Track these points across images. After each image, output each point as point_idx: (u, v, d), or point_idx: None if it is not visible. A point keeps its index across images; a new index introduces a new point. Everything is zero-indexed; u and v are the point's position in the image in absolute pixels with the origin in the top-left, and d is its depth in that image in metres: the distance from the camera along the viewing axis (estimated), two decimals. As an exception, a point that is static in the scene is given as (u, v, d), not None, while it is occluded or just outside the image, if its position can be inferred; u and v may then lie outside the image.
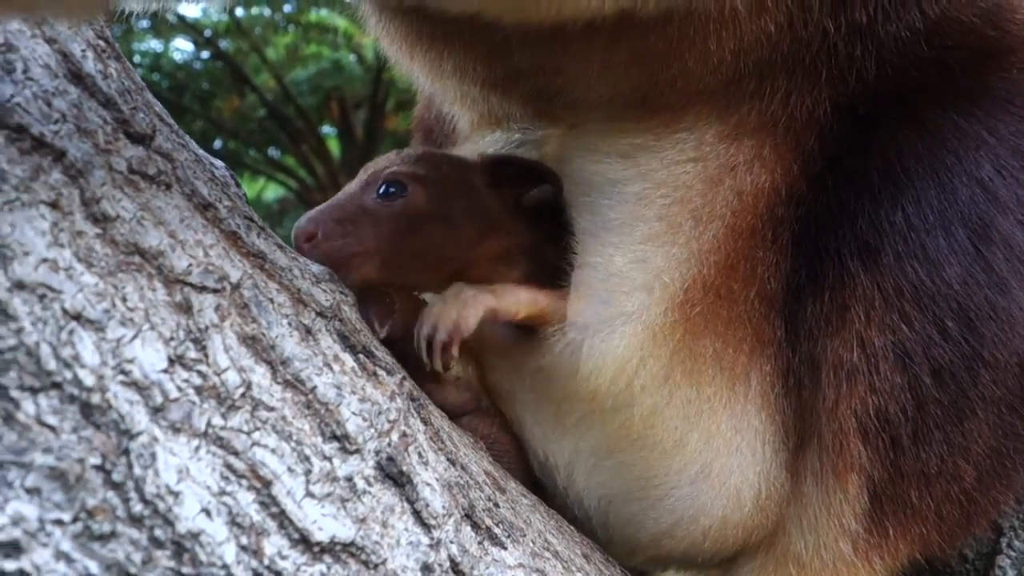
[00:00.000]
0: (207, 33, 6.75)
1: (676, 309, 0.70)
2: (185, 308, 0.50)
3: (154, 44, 7.00)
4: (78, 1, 0.37)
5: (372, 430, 0.55)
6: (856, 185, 0.67)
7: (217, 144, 7.45)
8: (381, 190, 0.72)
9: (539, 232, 0.77)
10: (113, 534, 0.44)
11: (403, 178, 0.72)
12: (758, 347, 0.69)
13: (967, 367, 0.66)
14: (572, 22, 0.54)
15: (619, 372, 0.70)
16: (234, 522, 0.47)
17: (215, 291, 0.52)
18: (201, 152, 0.62)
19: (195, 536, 0.46)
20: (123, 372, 0.46)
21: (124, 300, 0.48)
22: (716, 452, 0.69)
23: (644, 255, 0.71)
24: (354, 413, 0.55)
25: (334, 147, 7.38)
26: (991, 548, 0.82)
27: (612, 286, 0.72)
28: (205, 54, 6.99)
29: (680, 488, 0.70)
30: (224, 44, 6.86)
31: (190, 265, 0.52)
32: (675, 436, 0.70)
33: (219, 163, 0.63)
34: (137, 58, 6.74)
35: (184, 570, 0.45)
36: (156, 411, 0.47)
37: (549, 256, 0.76)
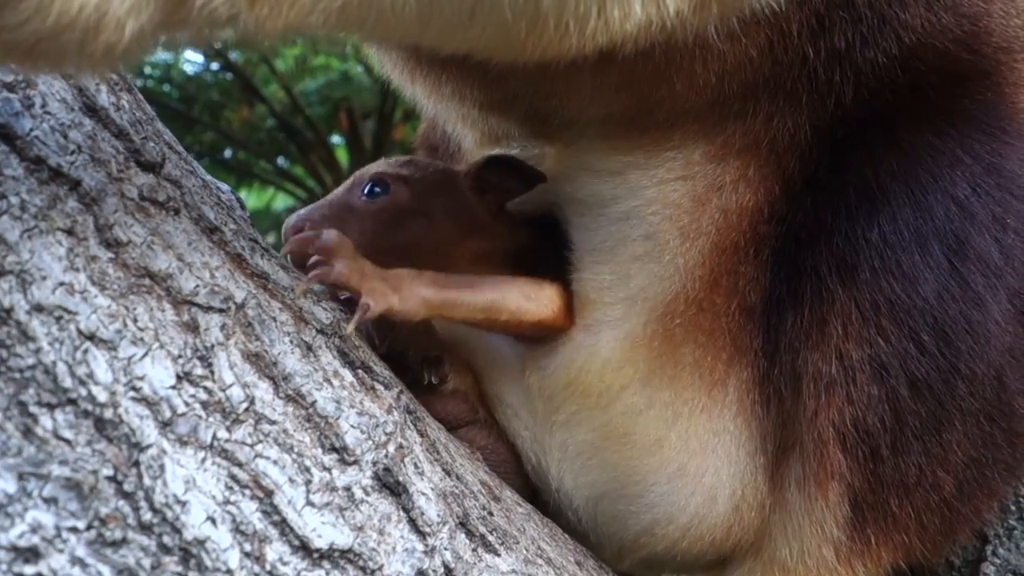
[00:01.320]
0: (217, 45, 6.80)
1: (656, 321, 0.73)
2: (192, 327, 0.53)
3: (164, 56, 7.08)
4: (103, 57, 0.40)
5: (370, 442, 0.58)
6: (833, 204, 0.70)
7: (227, 154, 7.50)
8: (366, 189, 0.76)
9: (522, 237, 0.80)
10: (124, 541, 0.47)
11: (387, 178, 0.76)
12: (736, 356, 0.72)
13: (943, 379, 0.68)
14: (557, 61, 0.57)
15: (604, 371, 0.74)
16: (238, 530, 0.50)
17: (221, 311, 0.55)
18: (208, 177, 0.65)
19: (201, 543, 0.49)
20: (134, 388, 0.49)
21: (135, 320, 0.51)
22: (692, 452, 0.72)
23: (628, 272, 0.75)
24: (352, 426, 0.58)
25: (343, 157, 7.42)
26: (977, 555, 0.84)
27: (601, 298, 0.76)
28: (215, 66, 7.06)
29: (659, 485, 0.73)
30: (234, 56, 6.92)
31: (197, 286, 0.55)
32: (655, 435, 0.73)
33: (225, 187, 0.67)
34: (148, 70, 6.81)
35: (191, 575, 0.48)
36: (165, 425, 0.50)
37: (532, 261, 0.79)
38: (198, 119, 6.63)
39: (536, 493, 0.81)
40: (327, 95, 6.76)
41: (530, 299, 0.75)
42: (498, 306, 0.73)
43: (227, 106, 7.13)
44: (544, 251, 0.80)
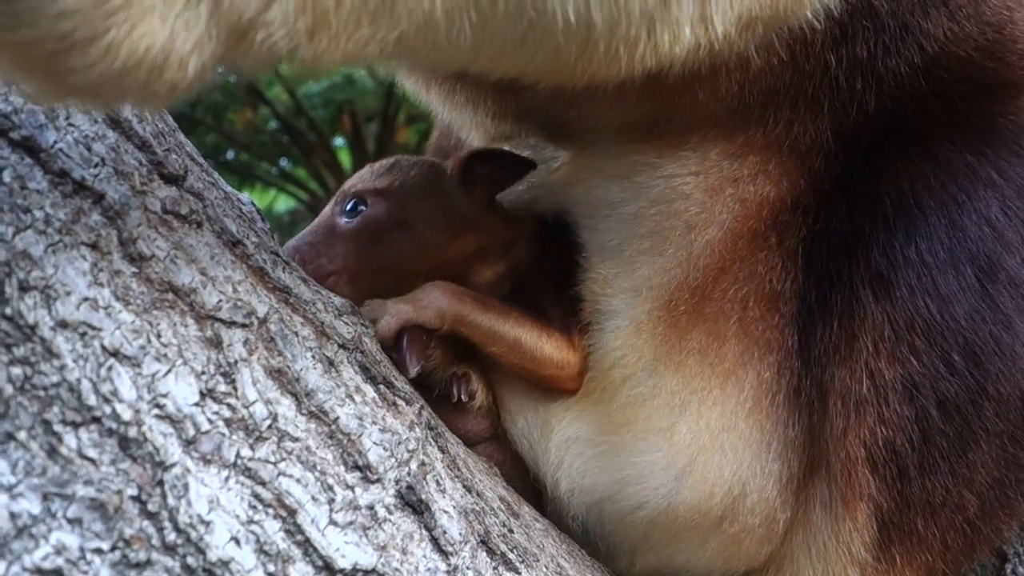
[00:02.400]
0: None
1: (660, 308, 0.73)
2: (215, 343, 0.53)
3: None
4: (166, 95, 0.40)
5: (392, 459, 0.57)
6: (870, 213, 0.69)
7: (229, 156, 7.50)
8: (346, 208, 0.75)
9: (516, 228, 0.79)
10: (148, 562, 0.46)
11: (364, 194, 0.75)
12: (753, 349, 0.71)
13: (972, 400, 0.67)
14: (604, 86, 0.57)
15: (607, 362, 0.73)
16: (262, 550, 0.50)
17: (243, 326, 0.54)
18: (229, 189, 0.64)
19: (225, 564, 0.48)
20: (158, 406, 0.49)
21: (159, 336, 0.50)
22: (699, 446, 0.71)
23: (634, 265, 0.74)
24: (375, 443, 0.57)
25: (345, 159, 7.42)
26: (996, 573, 0.83)
27: (604, 291, 0.76)
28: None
29: (658, 474, 0.72)
30: (237, 58, 6.90)
31: (220, 301, 0.54)
32: (660, 425, 0.72)
33: (245, 198, 0.66)
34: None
35: (215, 597, 0.47)
36: (188, 443, 0.49)
37: (523, 253, 0.78)
38: (201, 120, 6.63)
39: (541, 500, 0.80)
40: (330, 98, 6.75)
41: (548, 344, 0.74)
42: (503, 333, 0.73)
43: (230, 108, 7.12)
44: (551, 264, 0.79)
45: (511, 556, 0.63)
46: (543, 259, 0.80)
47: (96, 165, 0.52)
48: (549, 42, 0.49)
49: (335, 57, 0.43)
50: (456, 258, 0.76)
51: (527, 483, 0.79)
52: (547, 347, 0.75)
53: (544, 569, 0.66)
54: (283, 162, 7.82)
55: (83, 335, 0.47)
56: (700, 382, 0.72)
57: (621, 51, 0.51)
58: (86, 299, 0.48)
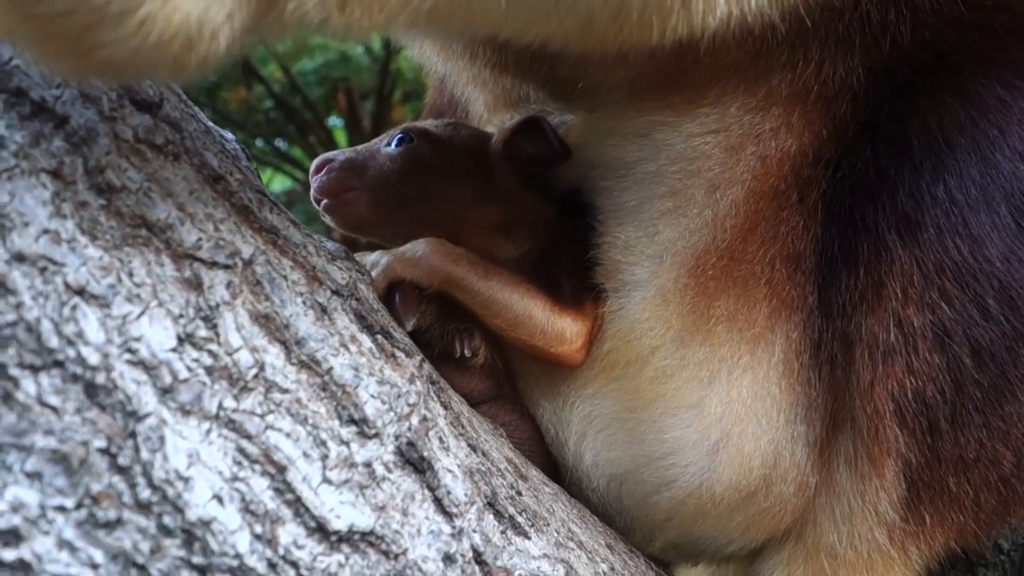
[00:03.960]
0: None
1: (687, 274, 0.68)
2: (195, 285, 0.48)
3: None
4: (196, 68, 0.39)
5: (391, 414, 0.53)
6: (896, 154, 0.65)
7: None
8: (393, 138, 0.75)
9: (546, 210, 0.75)
10: (119, 521, 0.41)
11: (413, 132, 0.75)
12: (782, 310, 0.67)
13: (1008, 347, 0.63)
14: (632, 52, 0.54)
15: (632, 335, 0.69)
16: (247, 509, 0.45)
17: (226, 267, 0.49)
18: (211, 124, 0.59)
19: (206, 524, 0.43)
20: (130, 351, 0.44)
21: (131, 275, 0.45)
22: (736, 417, 0.67)
23: (656, 228, 0.70)
24: (372, 396, 0.52)
25: (341, 138, 7.35)
26: (1027, 538, 0.80)
27: (626, 258, 0.71)
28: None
29: (689, 451, 0.68)
30: (230, 35, 6.82)
31: (200, 239, 0.49)
32: (689, 399, 0.67)
33: (229, 135, 0.61)
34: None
35: (195, 560, 0.43)
36: (165, 392, 0.44)
37: (550, 235, 0.74)
38: (195, 99, 6.53)
39: (560, 473, 0.75)
40: (325, 75, 6.67)
41: (560, 319, 0.70)
42: (507, 305, 0.69)
43: (224, 87, 7.05)
44: (568, 236, 0.75)
45: (519, 519, 0.59)
46: (557, 227, 0.75)
47: (59, 86, 0.46)
48: (582, 7, 0.48)
49: (365, 27, 0.42)
50: (476, 224, 0.73)
51: (536, 446, 0.74)
52: (558, 322, 0.70)
53: (555, 534, 0.61)
54: (279, 142, 7.75)
55: (43, 270, 0.42)
56: (729, 349, 0.67)
57: (654, 20, 0.50)
58: (46, 231, 0.43)
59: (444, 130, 0.77)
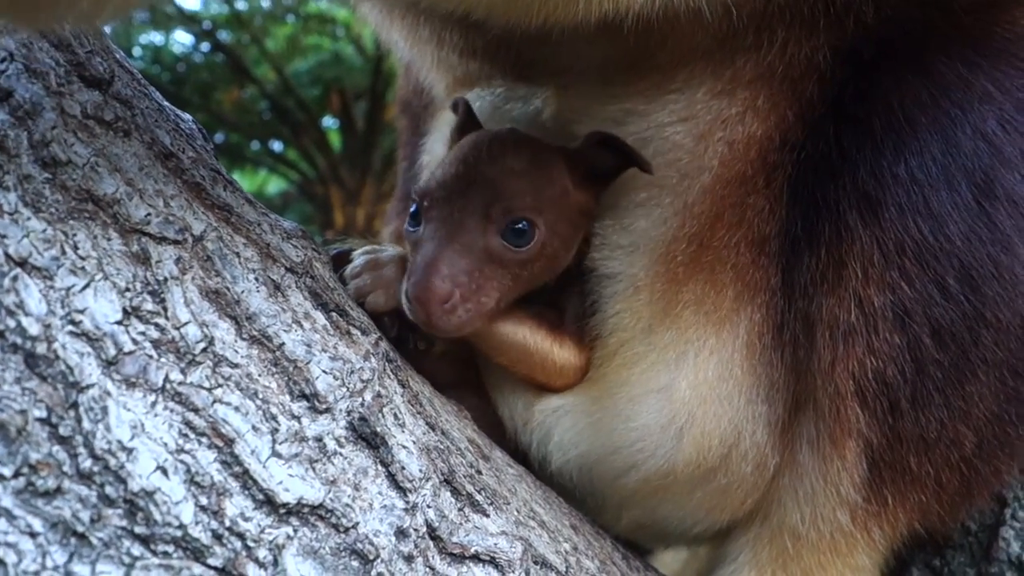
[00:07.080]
0: (206, 25, 6.73)
1: (657, 262, 0.68)
2: (142, 259, 0.48)
3: (154, 37, 6.98)
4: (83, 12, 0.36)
5: (344, 389, 0.53)
6: (858, 133, 0.64)
7: (219, 138, 7.42)
8: (509, 229, 0.63)
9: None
10: (59, 490, 0.41)
11: (530, 214, 0.63)
12: (746, 293, 0.67)
13: (968, 327, 0.63)
14: (559, 27, 0.52)
15: (603, 330, 0.69)
16: (193, 481, 0.45)
17: (175, 242, 0.49)
18: (167, 104, 0.59)
19: (149, 495, 0.43)
20: (73, 322, 0.44)
21: (75, 248, 0.45)
22: (699, 399, 0.67)
23: (630, 221, 0.70)
24: (324, 371, 0.52)
25: (335, 139, 7.35)
26: (994, 520, 0.79)
27: (600, 253, 0.71)
28: (205, 46, 6.96)
29: (656, 435, 0.68)
30: (224, 36, 6.82)
31: (148, 215, 0.49)
32: (657, 382, 0.67)
33: (187, 116, 0.61)
34: (137, 51, 6.72)
35: (137, 530, 0.43)
36: (109, 364, 0.44)
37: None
38: (188, 100, 6.55)
39: (527, 460, 0.75)
40: (318, 76, 6.68)
41: (561, 352, 0.69)
42: (534, 346, 0.68)
43: (218, 88, 7.05)
44: None
45: (478, 497, 0.59)
46: None
47: (3, 60, 0.47)
48: None
49: None
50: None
51: (503, 432, 0.74)
52: (559, 355, 0.69)
53: (515, 513, 0.61)
54: (273, 144, 7.75)
55: (-16, 241, 0.42)
56: (695, 331, 0.67)
57: None
58: (-12, 202, 0.43)
59: (542, 187, 0.65)
